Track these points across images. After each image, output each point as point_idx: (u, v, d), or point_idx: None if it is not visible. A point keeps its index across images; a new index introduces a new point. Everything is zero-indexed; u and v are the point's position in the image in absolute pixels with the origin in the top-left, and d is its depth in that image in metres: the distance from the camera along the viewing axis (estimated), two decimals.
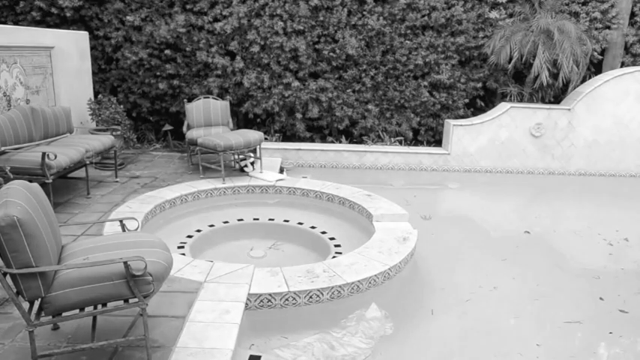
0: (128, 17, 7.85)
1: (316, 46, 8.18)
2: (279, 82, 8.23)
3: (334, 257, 4.47)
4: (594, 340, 3.77)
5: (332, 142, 8.69)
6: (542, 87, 8.52)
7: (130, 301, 2.67)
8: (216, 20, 8.00)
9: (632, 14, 8.89)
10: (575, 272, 4.90)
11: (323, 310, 3.63)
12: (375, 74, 8.37)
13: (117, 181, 6.13)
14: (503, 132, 8.19)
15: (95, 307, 2.72)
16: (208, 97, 7.25)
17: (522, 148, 8.26)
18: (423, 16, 8.20)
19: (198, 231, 5.20)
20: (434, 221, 6.13)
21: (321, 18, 8.03)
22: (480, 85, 8.64)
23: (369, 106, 8.40)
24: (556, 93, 8.79)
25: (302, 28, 7.97)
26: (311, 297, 3.60)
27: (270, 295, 3.53)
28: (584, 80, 8.61)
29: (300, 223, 5.49)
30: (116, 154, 6.24)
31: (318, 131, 8.80)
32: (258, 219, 5.61)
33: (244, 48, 8.12)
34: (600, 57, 8.83)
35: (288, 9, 7.89)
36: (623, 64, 8.92)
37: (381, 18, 8.08)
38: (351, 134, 8.74)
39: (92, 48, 7.98)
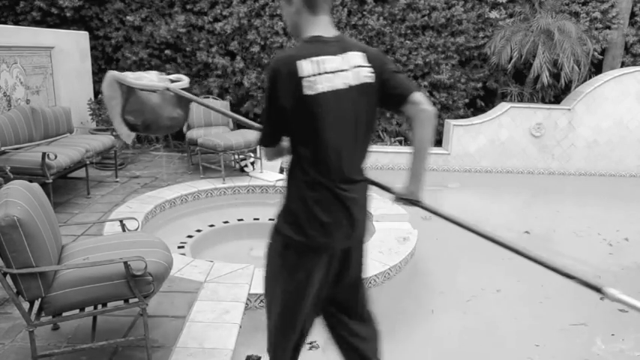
0: (128, 17, 7.85)
1: None
2: None
3: None
4: (596, 340, 3.76)
5: None
6: (542, 87, 8.51)
7: (130, 301, 2.67)
8: (216, 20, 7.99)
9: (632, 14, 8.89)
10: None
11: None
12: None
13: (117, 181, 6.13)
14: (503, 132, 8.19)
15: (95, 307, 2.72)
16: (208, 97, 7.26)
17: (522, 148, 8.26)
18: (423, 16, 8.20)
19: (199, 231, 5.20)
20: (434, 221, 6.08)
21: None
22: (480, 85, 8.64)
23: None
24: (556, 93, 8.78)
25: None
26: None
27: None
28: (585, 80, 8.61)
29: None
30: (116, 154, 6.24)
31: None
32: (258, 219, 5.61)
33: (244, 48, 8.12)
34: (600, 57, 8.82)
35: None
36: (623, 64, 8.91)
37: (381, 18, 8.08)
38: None
39: (92, 48, 7.97)
